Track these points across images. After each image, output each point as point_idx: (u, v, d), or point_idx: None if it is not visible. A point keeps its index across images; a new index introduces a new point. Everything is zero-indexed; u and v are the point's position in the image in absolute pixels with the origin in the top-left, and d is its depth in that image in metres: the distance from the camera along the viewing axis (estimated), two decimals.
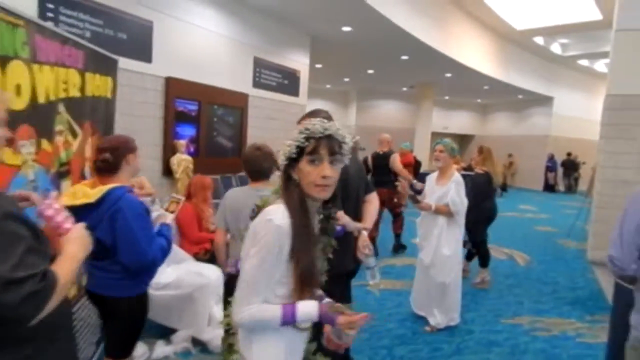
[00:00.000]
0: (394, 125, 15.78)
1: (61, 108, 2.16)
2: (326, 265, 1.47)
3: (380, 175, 5.87)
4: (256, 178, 2.43)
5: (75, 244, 1.26)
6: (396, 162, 5.85)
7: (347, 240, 2.55)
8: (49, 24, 2.15)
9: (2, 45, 1.68)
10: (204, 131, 6.67)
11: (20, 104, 1.80)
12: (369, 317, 1.30)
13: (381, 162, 5.94)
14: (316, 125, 1.25)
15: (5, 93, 1.24)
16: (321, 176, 1.22)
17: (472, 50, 10.74)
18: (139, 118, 5.59)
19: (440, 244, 3.52)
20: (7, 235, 1.03)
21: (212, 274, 3.25)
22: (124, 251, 1.84)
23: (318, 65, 11.12)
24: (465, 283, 4.31)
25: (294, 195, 1.26)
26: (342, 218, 2.40)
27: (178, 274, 3.20)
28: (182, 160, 5.87)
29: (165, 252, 1.98)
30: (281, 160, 1.29)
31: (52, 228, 1.28)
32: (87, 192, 1.84)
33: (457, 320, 3.68)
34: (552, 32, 11.98)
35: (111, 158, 1.90)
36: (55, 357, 1.21)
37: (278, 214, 1.23)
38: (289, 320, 1.23)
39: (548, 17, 10.52)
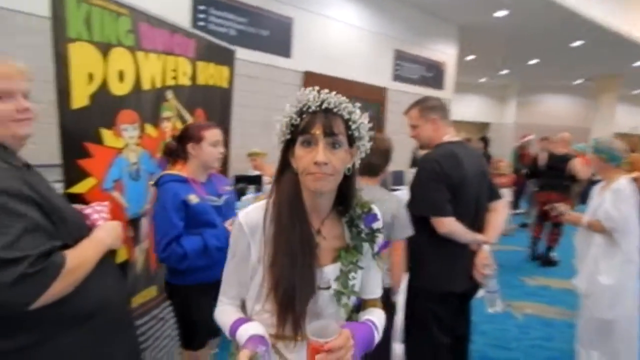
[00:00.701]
0: (563, 124, 13.68)
1: (169, 95, 2.23)
2: (352, 286, 1.11)
3: (552, 178, 5.39)
4: (367, 174, 2.16)
5: (102, 230, 1.24)
6: (577, 166, 5.17)
7: (459, 253, 2.13)
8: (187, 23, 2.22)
9: (104, 33, 1.76)
10: None
11: (123, 89, 1.88)
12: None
13: (557, 164, 5.37)
14: (309, 95, 1.00)
15: (24, 66, 1.22)
16: (314, 162, 0.96)
17: None
18: (279, 111, 5.77)
19: (598, 269, 2.75)
20: (3, 212, 0.98)
21: None
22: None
23: (470, 57, 10.23)
24: None
25: (286, 186, 1.03)
26: (452, 224, 2.00)
27: None
28: None
29: (182, 258, 1.79)
30: (277, 142, 1.06)
31: (91, 225, 1.30)
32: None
33: None
34: None
35: (173, 145, 1.96)
36: (87, 346, 1.15)
37: (249, 209, 1.07)
38: (233, 335, 1.05)
39: None
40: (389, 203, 2.03)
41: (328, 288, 1.06)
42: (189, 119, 2.39)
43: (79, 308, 1.14)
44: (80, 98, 1.66)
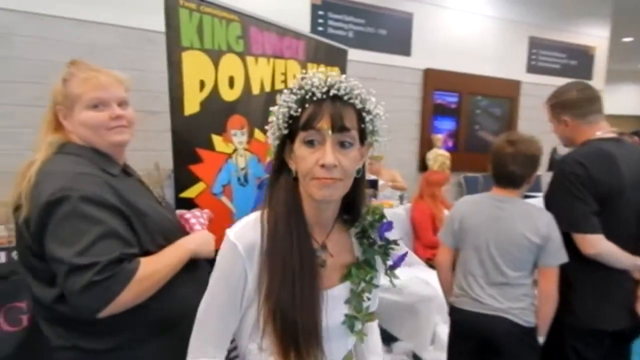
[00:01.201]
0: None
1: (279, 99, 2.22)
2: (366, 308, 0.92)
3: None
4: (501, 184, 1.84)
5: (190, 237, 1.22)
6: None
7: (614, 282, 1.71)
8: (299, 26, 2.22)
9: (215, 41, 1.80)
10: (464, 124, 6.16)
11: (233, 95, 1.90)
12: None
13: None
14: (313, 78, 0.80)
15: (124, 75, 1.26)
16: (320, 164, 0.77)
17: None
18: (396, 112, 5.61)
19: None
20: (80, 218, 0.99)
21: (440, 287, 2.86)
22: None
23: (627, 39, 8.72)
24: None
25: (281, 194, 0.85)
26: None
27: (404, 277, 2.95)
28: (438, 156, 5.59)
29: None
30: (270, 139, 0.87)
31: (189, 229, 1.31)
32: None
33: None
34: None
35: None
36: (170, 354, 1.12)
37: (242, 225, 0.86)
38: None
39: None
40: (538, 220, 1.72)
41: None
42: None
43: (165, 315, 1.13)
44: (192, 105, 1.71)
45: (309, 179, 0.81)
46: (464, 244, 1.88)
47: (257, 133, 2.07)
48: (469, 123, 6.24)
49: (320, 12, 4.86)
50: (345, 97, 0.81)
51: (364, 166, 0.89)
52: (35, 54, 3.49)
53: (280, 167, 0.88)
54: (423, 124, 5.82)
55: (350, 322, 0.89)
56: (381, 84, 5.44)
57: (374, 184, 4.10)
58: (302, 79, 0.82)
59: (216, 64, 1.81)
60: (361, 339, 0.90)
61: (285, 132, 0.85)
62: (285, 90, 0.86)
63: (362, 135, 0.86)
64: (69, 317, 1.07)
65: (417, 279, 2.90)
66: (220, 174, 1.87)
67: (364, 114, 0.84)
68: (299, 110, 0.82)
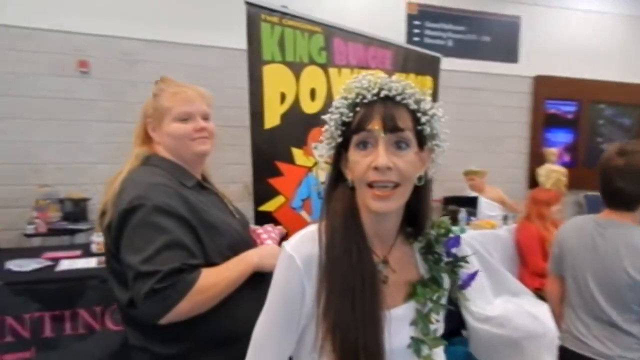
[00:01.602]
0: None
1: None
2: (434, 331, 0.83)
3: None
4: (610, 204, 1.52)
5: (255, 250, 1.20)
6: None
7: None
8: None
9: (297, 53, 1.78)
10: (583, 136, 5.47)
11: (314, 107, 1.87)
12: None
13: None
14: (363, 80, 0.76)
15: (207, 91, 1.32)
16: (373, 166, 0.73)
17: None
18: (501, 124, 5.20)
19: None
20: (150, 227, 1.02)
21: (552, 323, 2.48)
22: None
23: None
24: None
25: (338, 205, 0.80)
26: None
27: (505, 309, 2.62)
28: (552, 172, 5.03)
29: None
30: (324, 149, 0.82)
31: (260, 244, 1.31)
32: None
33: None
34: None
35: None
36: None
37: (299, 237, 0.81)
38: None
39: None
40: None
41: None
42: None
43: (224, 329, 1.13)
44: (272, 118, 1.70)
45: (364, 186, 0.76)
46: (564, 271, 1.60)
47: None
48: (590, 135, 5.52)
49: (417, 22, 4.71)
50: (398, 98, 0.77)
51: (426, 173, 0.82)
52: (157, 77, 3.88)
53: (337, 177, 0.83)
54: (533, 137, 5.29)
55: (416, 345, 0.80)
56: (484, 94, 5.08)
57: (472, 202, 3.79)
58: (352, 82, 0.79)
59: (297, 76, 1.79)
60: None
61: (340, 139, 0.80)
62: (337, 98, 0.82)
63: (420, 139, 0.79)
64: (138, 320, 1.12)
65: (523, 312, 2.56)
66: (300, 187, 1.83)
67: (419, 115, 0.78)
68: (351, 115, 0.78)
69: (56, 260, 2.32)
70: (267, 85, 1.67)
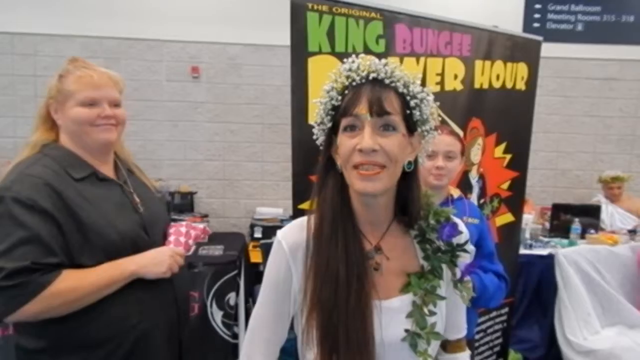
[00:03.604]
0: None
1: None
2: (432, 325, 0.78)
3: None
4: None
5: (137, 258, 1.14)
6: None
7: None
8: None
9: (349, 43, 1.67)
10: None
11: None
12: None
13: None
14: (352, 64, 0.78)
15: (118, 76, 1.25)
16: (358, 149, 0.73)
17: None
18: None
19: None
20: (8, 220, 0.99)
21: None
22: None
23: None
24: None
25: (329, 191, 0.80)
26: None
27: (617, 343, 2.14)
28: None
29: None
30: (316, 135, 0.84)
31: (166, 243, 1.27)
32: None
33: None
34: None
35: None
36: None
37: (290, 225, 0.86)
38: None
39: None
40: None
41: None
42: (458, 130, 1.99)
43: (86, 333, 1.09)
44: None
45: (350, 168, 0.77)
46: None
47: None
48: None
49: (538, 6, 4.15)
50: (386, 81, 0.77)
51: (416, 159, 0.83)
52: (256, 79, 4.09)
53: (327, 164, 0.84)
54: None
55: (412, 339, 0.78)
56: (625, 85, 4.26)
57: (593, 211, 3.18)
58: (342, 66, 0.80)
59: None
60: None
61: (329, 124, 0.82)
62: (326, 81, 0.83)
63: (410, 123, 0.79)
64: None
65: (638, 349, 2.06)
66: None
67: (408, 98, 0.78)
68: (340, 98, 0.79)
69: None
70: (312, 78, 1.60)
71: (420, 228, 0.85)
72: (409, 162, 0.80)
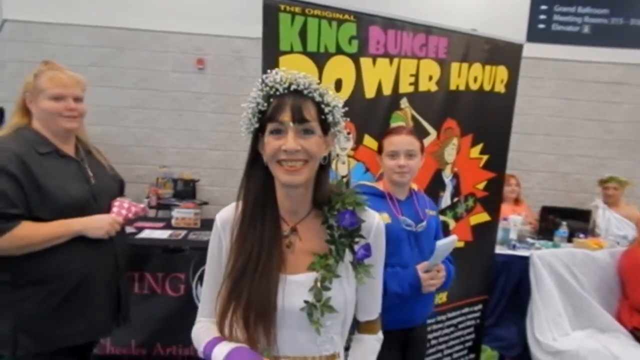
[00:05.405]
0: None
1: (404, 103, 1.98)
2: (327, 299, 0.92)
3: None
4: None
5: (83, 220, 1.44)
6: None
7: None
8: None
9: (321, 43, 1.74)
10: None
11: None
12: None
13: None
14: (276, 76, 0.91)
15: (82, 77, 1.56)
16: (282, 149, 0.88)
17: None
18: None
19: None
20: None
21: None
22: None
23: None
24: None
25: (254, 181, 0.95)
26: None
27: (584, 345, 2.17)
28: None
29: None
30: (244, 133, 0.96)
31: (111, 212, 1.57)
32: None
33: None
34: None
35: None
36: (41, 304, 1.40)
37: (226, 207, 1.01)
38: (208, 356, 0.94)
39: None
40: None
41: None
42: (431, 131, 2.04)
43: (37, 270, 1.40)
44: None
45: (274, 163, 0.90)
46: None
47: (367, 139, 1.90)
48: None
49: (543, 7, 4.13)
50: (305, 92, 0.90)
51: (329, 155, 0.97)
52: (259, 72, 4.17)
53: (255, 158, 0.96)
54: None
55: (309, 309, 0.91)
56: (631, 89, 4.21)
57: (583, 215, 3.18)
58: (267, 77, 0.91)
59: (321, 67, 1.75)
60: (318, 331, 0.92)
61: (257, 125, 0.93)
62: (253, 88, 0.94)
63: (324, 126, 0.93)
64: None
65: (609, 355, 2.09)
66: None
67: (323, 106, 0.92)
68: (265, 105, 0.91)
69: (140, 229, 2.70)
70: None
71: (324, 214, 0.97)
72: (324, 157, 0.95)
